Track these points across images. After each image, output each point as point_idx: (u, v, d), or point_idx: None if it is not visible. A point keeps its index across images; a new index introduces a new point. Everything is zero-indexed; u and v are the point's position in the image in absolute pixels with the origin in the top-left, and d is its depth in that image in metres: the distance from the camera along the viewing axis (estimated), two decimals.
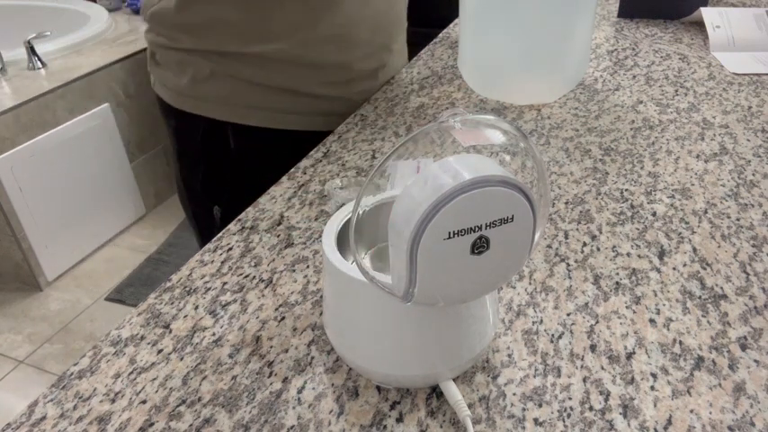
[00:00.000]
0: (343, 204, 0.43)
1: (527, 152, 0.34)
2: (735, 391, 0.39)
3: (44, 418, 0.39)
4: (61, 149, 1.78)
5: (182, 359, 0.42)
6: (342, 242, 0.39)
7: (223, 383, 0.40)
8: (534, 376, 0.40)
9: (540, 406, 0.38)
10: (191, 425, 0.38)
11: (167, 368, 0.42)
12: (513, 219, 0.31)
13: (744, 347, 0.42)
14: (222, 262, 0.52)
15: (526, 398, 0.39)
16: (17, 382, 1.57)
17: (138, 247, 2.02)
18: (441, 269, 0.31)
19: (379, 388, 0.40)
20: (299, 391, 0.40)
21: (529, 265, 0.50)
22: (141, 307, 0.47)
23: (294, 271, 0.50)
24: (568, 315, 0.45)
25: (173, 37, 0.75)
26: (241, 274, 0.50)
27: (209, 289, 0.49)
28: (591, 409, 0.38)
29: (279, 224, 0.56)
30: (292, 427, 0.37)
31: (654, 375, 0.40)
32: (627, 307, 0.46)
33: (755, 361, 0.41)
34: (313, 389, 0.40)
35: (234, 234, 0.55)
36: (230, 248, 0.53)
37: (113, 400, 0.40)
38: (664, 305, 0.46)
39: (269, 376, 0.41)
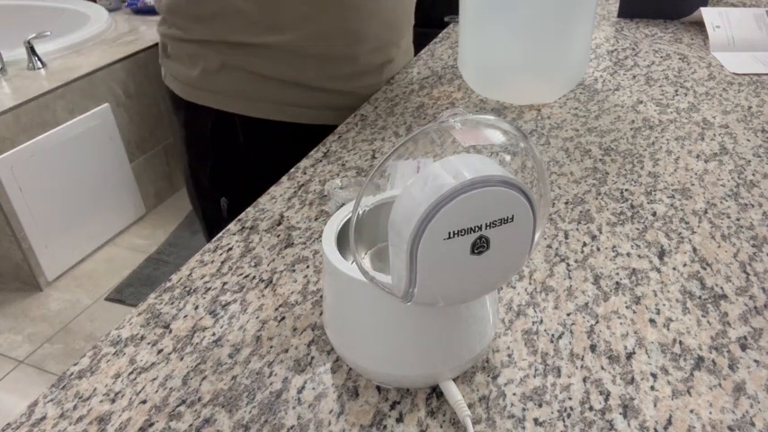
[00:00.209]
0: (343, 204, 0.43)
1: (527, 152, 0.34)
2: (735, 391, 0.39)
3: (44, 418, 0.39)
4: (61, 149, 1.78)
5: (182, 359, 0.42)
6: (342, 242, 0.39)
7: (223, 383, 0.40)
8: (534, 376, 0.40)
9: (540, 406, 0.38)
10: (191, 425, 0.38)
11: (167, 368, 0.42)
12: (513, 219, 0.31)
13: (744, 347, 0.42)
14: (222, 262, 0.52)
15: (526, 398, 0.39)
16: (17, 382, 1.57)
17: (138, 247, 2.02)
18: (441, 269, 0.31)
19: (379, 388, 0.40)
20: (299, 391, 0.40)
21: (529, 265, 0.50)
22: (141, 307, 0.47)
23: (294, 271, 0.50)
24: (568, 315, 0.45)
25: (186, 28, 0.77)
26: (241, 274, 0.50)
27: (209, 289, 0.49)
28: (591, 409, 0.38)
29: (279, 224, 0.56)
30: (292, 427, 0.37)
31: (654, 375, 0.40)
32: (627, 307, 0.46)
33: (755, 361, 0.41)
34: (313, 389, 0.40)
35: (234, 234, 0.55)
36: (230, 248, 0.53)
37: (113, 400, 0.40)
38: (664, 305, 0.46)
39: (269, 376, 0.41)
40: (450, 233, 0.30)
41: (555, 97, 0.80)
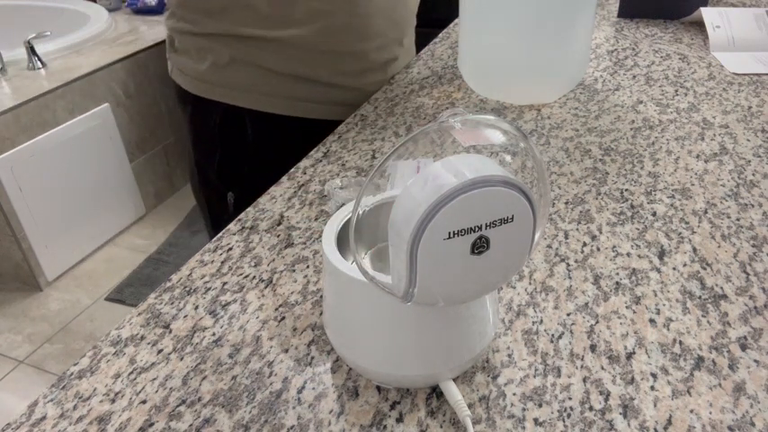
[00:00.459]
0: (343, 204, 0.43)
1: (527, 152, 0.34)
2: (735, 391, 0.39)
3: (44, 418, 0.39)
4: (61, 149, 1.78)
5: (182, 359, 0.42)
6: (342, 242, 0.39)
7: (223, 383, 0.40)
8: (534, 376, 0.40)
9: (540, 406, 0.38)
10: (191, 425, 0.38)
11: (167, 368, 0.42)
12: (513, 219, 0.31)
13: (744, 347, 0.42)
14: (222, 262, 0.52)
15: (526, 398, 0.39)
16: (17, 382, 1.57)
17: (138, 247, 2.03)
18: (441, 269, 0.31)
19: (379, 388, 0.40)
20: (299, 391, 0.40)
21: (529, 265, 0.50)
22: (141, 307, 0.47)
23: (294, 271, 0.50)
24: (568, 315, 0.45)
25: (195, 21, 0.77)
26: (241, 274, 0.50)
27: (209, 289, 0.49)
28: (591, 409, 0.38)
29: (279, 224, 0.56)
30: (292, 427, 0.37)
31: (654, 375, 0.40)
32: (627, 307, 0.46)
33: (755, 361, 0.41)
34: (313, 389, 0.40)
35: (234, 234, 0.55)
36: (230, 248, 0.53)
37: (113, 400, 0.40)
38: (664, 305, 0.46)
39: (269, 376, 0.41)
40: (450, 233, 0.30)
41: (555, 97, 0.80)
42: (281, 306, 0.47)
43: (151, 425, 0.38)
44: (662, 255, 0.51)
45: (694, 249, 0.52)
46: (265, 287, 0.49)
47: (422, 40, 1.02)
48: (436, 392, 0.39)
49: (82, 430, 0.38)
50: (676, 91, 0.81)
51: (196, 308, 0.47)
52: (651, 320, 0.44)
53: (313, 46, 0.76)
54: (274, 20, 0.74)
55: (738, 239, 0.53)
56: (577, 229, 0.54)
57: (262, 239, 0.54)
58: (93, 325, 1.74)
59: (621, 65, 0.90)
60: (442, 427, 0.37)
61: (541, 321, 0.44)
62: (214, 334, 0.44)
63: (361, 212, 0.34)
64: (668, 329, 0.44)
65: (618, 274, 0.49)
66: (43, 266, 1.81)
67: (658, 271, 0.49)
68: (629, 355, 0.41)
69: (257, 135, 0.81)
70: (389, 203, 0.32)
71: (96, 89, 1.87)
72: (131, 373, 0.42)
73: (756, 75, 0.86)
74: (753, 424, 0.37)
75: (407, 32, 0.89)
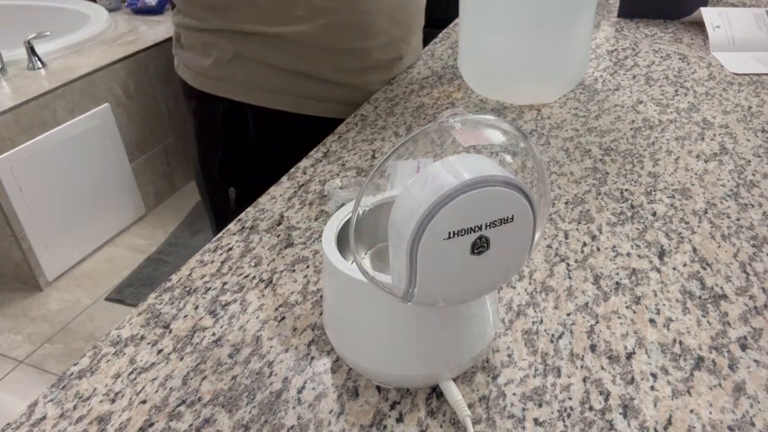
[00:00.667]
0: (343, 204, 0.43)
1: (527, 152, 0.34)
2: (735, 391, 0.39)
3: (44, 418, 0.39)
4: (61, 149, 1.78)
5: (182, 359, 0.42)
6: (342, 242, 0.39)
7: (223, 383, 0.40)
8: (534, 376, 0.40)
9: (540, 406, 0.38)
10: (191, 425, 0.38)
11: (167, 368, 0.42)
12: (513, 219, 0.31)
13: (744, 347, 0.42)
14: (222, 262, 0.52)
15: (526, 398, 0.39)
16: (17, 382, 1.57)
17: (138, 247, 2.02)
18: (441, 269, 0.31)
19: (379, 388, 0.40)
20: (299, 391, 0.40)
21: (529, 265, 0.50)
22: (141, 307, 0.47)
23: (294, 271, 0.50)
24: (568, 315, 0.45)
25: (201, 17, 0.78)
26: (241, 274, 0.50)
27: (209, 289, 0.49)
28: (591, 409, 0.38)
29: (279, 224, 0.56)
30: (292, 427, 0.37)
31: (654, 375, 0.40)
32: (627, 307, 0.46)
33: (755, 361, 0.41)
34: (313, 389, 0.40)
35: (234, 234, 0.55)
36: (230, 248, 0.53)
37: (113, 400, 0.40)
38: (664, 305, 0.46)
39: (269, 376, 0.41)
40: (450, 233, 0.30)
41: (555, 97, 0.80)
42: (281, 306, 0.47)
43: (151, 425, 0.38)
44: (662, 255, 0.51)
45: (694, 249, 0.52)
46: (265, 287, 0.49)
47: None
48: (436, 392, 0.39)
49: (82, 430, 0.38)
50: (676, 91, 0.81)
51: (196, 308, 0.47)
52: (651, 320, 0.44)
53: (315, 43, 0.76)
54: (277, 16, 0.75)
55: (738, 239, 0.53)
56: (577, 229, 0.54)
57: (262, 239, 0.54)
58: (93, 325, 1.74)
59: (621, 65, 0.90)
60: (441, 427, 0.37)
61: (541, 321, 0.44)
62: (214, 334, 0.44)
63: (361, 212, 0.34)
64: (668, 329, 0.44)
65: (618, 274, 0.49)
66: (43, 266, 1.81)
67: (658, 271, 0.49)
68: (629, 355, 0.41)
69: (259, 131, 0.82)
70: (389, 203, 0.32)
71: (96, 89, 1.87)
72: (131, 373, 0.42)
73: (756, 75, 0.86)
74: (753, 424, 0.37)
75: (413, 31, 0.89)
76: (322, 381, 0.40)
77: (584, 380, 0.40)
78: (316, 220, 0.57)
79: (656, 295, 0.47)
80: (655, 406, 0.38)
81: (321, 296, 0.47)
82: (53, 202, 1.79)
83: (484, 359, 0.41)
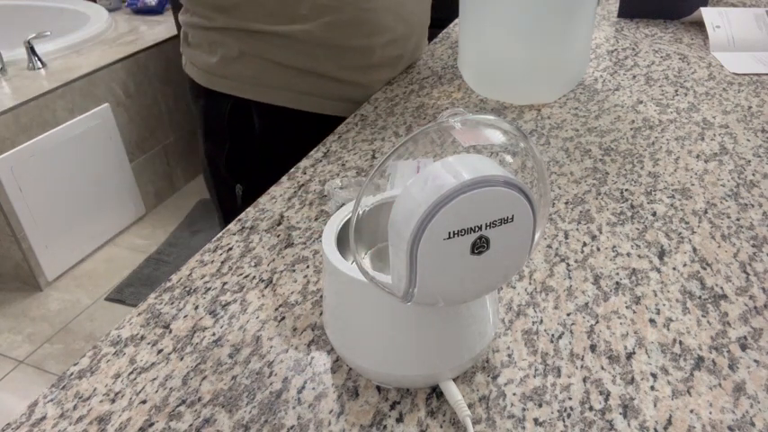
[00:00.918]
0: (343, 204, 0.43)
1: (527, 152, 0.34)
2: (735, 391, 0.39)
3: (44, 418, 0.39)
4: (61, 149, 1.78)
5: (182, 359, 0.42)
6: (342, 242, 0.39)
7: (223, 383, 0.40)
8: (534, 376, 0.40)
9: (540, 406, 0.38)
10: (191, 425, 0.38)
11: (167, 368, 0.42)
12: (513, 219, 0.31)
13: (744, 347, 0.42)
14: (222, 262, 0.52)
15: (526, 398, 0.39)
16: (17, 382, 1.57)
17: (138, 247, 2.02)
18: (441, 269, 0.31)
19: (379, 388, 0.40)
20: (299, 391, 0.40)
21: (529, 265, 0.50)
22: (141, 307, 0.47)
23: (294, 271, 0.50)
24: (568, 315, 0.45)
25: (207, 16, 0.79)
26: (241, 274, 0.50)
27: (209, 289, 0.49)
28: (591, 409, 0.38)
29: (279, 224, 0.56)
30: (292, 427, 0.37)
31: (654, 375, 0.40)
32: (627, 307, 0.46)
33: (755, 361, 0.41)
34: (313, 389, 0.40)
35: (234, 234, 0.55)
36: (230, 248, 0.53)
37: (113, 400, 0.40)
38: (664, 305, 0.46)
39: (269, 376, 0.41)
40: (450, 233, 0.30)
41: (555, 97, 0.80)
42: (281, 306, 0.47)
43: (151, 425, 0.38)
44: (662, 255, 0.51)
45: (694, 249, 0.52)
46: (265, 287, 0.49)
47: None
48: (436, 392, 0.39)
49: (82, 430, 0.38)
50: (676, 91, 0.81)
51: (196, 308, 0.47)
52: (651, 320, 0.44)
53: (320, 41, 0.77)
54: (282, 15, 0.75)
55: (738, 239, 0.53)
56: (577, 229, 0.54)
57: (262, 239, 0.54)
58: (93, 325, 1.74)
59: (621, 65, 0.90)
60: (441, 427, 0.37)
61: (541, 321, 0.44)
62: (214, 334, 0.44)
63: (361, 212, 0.34)
64: (668, 329, 0.44)
65: (618, 274, 0.49)
66: (43, 266, 1.81)
67: (658, 271, 0.49)
68: (629, 355, 0.41)
69: (264, 128, 0.82)
70: (389, 203, 0.32)
71: (96, 89, 1.87)
72: (131, 373, 0.42)
73: (756, 75, 0.86)
74: (753, 424, 0.37)
75: (418, 30, 0.89)
76: (322, 381, 0.40)
77: (584, 380, 0.40)
78: (316, 220, 0.57)
79: (656, 295, 0.47)
80: (655, 406, 0.38)
81: (321, 296, 0.47)
82: (53, 202, 1.79)
83: (484, 359, 0.41)
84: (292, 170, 0.65)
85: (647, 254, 0.51)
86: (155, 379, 0.41)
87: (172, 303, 0.48)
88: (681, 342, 0.42)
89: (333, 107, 0.82)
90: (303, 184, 0.62)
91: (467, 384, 0.40)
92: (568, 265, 0.50)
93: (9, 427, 0.38)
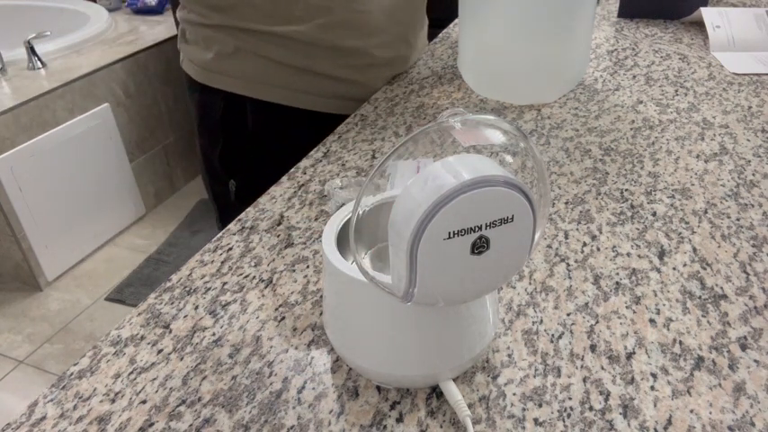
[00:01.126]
0: (343, 204, 0.43)
1: (527, 152, 0.34)
2: (735, 391, 0.39)
3: (44, 418, 0.39)
4: (61, 149, 1.78)
5: (182, 359, 0.42)
6: (342, 242, 0.39)
7: (223, 383, 0.40)
8: (534, 376, 0.40)
9: (540, 406, 0.38)
10: (191, 425, 0.38)
11: (167, 368, 0.42)
12: (513, 219, 0.31)
13: (744, 347, 0.42)
14: (222, 262, 0.52)
15: (526, 398, 0.39)
16: (17, 382, 1.57)
17: (138, 247, 2.02)
18: (441, 269, 0.31)
19: (379, 388, 0.40)
20: (299, 391, 0.40)
21: (529, 265, 0.50)
22: (141, 307, 0.47)
23: (294, 271, 0.50)
24: (568, 315, 0.45)
25: (203, 14, 0.79)
26: (241, 274, 0.50)
27: (209, 289, 0.49)
28: (591, 409, 0.38)
29: (279, 224, 0.56)
30: (292, 427, 0.37)
31: (654, 375, 0.40)
32: (627, 307, 0.46)
33: (755, 361, 0.41)
34: (313, 389, 0.40)
35: (234, 234, 0.55)
36: (230, 248, 0.53)
37: (113, 400, 0.40)
38: (664, 305, 0.46)
39: (269, 376, 0.41)
40: (450, 233, 0.30)
41: (555, 97, 0.80)
42: (281, 306, 0.47)
43: (151, 425, 0.38)
44: (662, 255, 0.51)
45: (694, 249, 0.52)
46: (265, 287, 0.49)
47: None
48: (436, 392, 0.39)
49: (82, 430, 0.38)
50: (676, 91, 0.81)
51: (196, 308, 0.47)
52: (651, 320, 0.44)
53: (314, 41, 0.77)
54: (275, 16, 0.75)
55: (738, 239, 0.53)
56: (577, 229, 0.54)
57: (262, 239, 0.54)
58: (93, 325, 1.74)
59: (621, 65, 0.90)
60: (441, 427, 0.37)
61: (541, 321, 0.44)
62: (214, 334, 0.44)
63: (361, 212, 0.34)
64: (668, 329, 0.44)
65: (618, 274, 0.49)
66: (43, 266, 1.81)
67: (658, 271, 0.49)
68: (629, 355, 0.41)
69: (257, 124, 0.83)
70: (389, 203, 0.32)
71: (96, 89, 1.87)
72: (131, 373, 0.42)
73: (756, 75, 0.86)
74: (753, 424, 0.37)
75: (414, 31, 0.89)
76: (322, 381, 0.40)
77: (585, 380, 0.40)
78: (316, 220, 0.57)
79: (656, 295, 0.47)
80: (655, 406, 0.38)
81: (321, 296, 0.47)
82: (53, 202, 1.79)
83: (484, 359, 0.41)
84: (292, 170, 0.65)
85: (647, 254, 0.51)
86: (155, 379, 0.41)
87: (172, 303, 0.48)
88: (681, 342, 0.42)
89: (329, 104, 0.82)
90: (303, 184, 0.62)
91: (467, 384, 0.40)
92: (568, 265, 0.50)
93: (9, 427, 0.38)
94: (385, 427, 0.37)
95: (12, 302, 1.80)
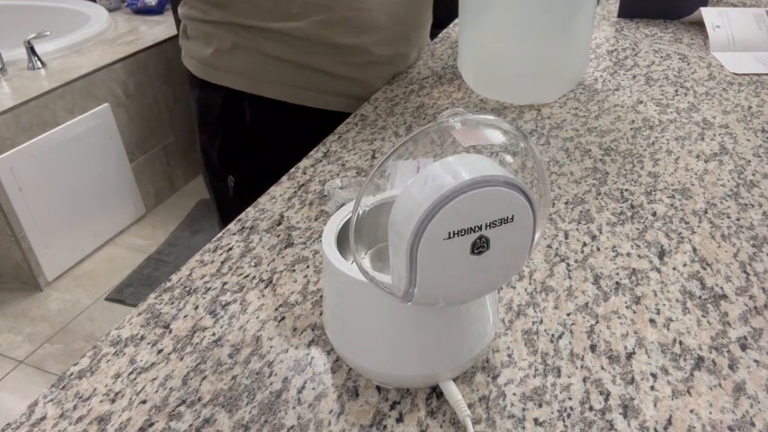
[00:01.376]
0: (343, 204, 0.43)
1: (527, 152, 0.34)
2: (735, 391, 0.39)
3: (44, 418, 0.39)
4: (61, 149, 1.78)
5: (182, 359, 0.42)
6: (342, 242, 0.39)
7: (223, 383, 0.40)
8: (534, 376, 0.40)
9: (540, 406, 0.38)
10: (191, 425, 0.38)
11: (167, 368, 0.42)
12: (513, 219, 0.31)
13: (744, 347, 0.42)
14: (222, 262, 0.52)
15: (526, 398, 0.39)
16: (17, 382, 1.57)
17: (138, 247, 2.02)
18: (441, 269, 0.31)
19: (379, 388, 0.40)
20: (299, 391, 0.40)
21: (529, 265, 0.50)
22: (141, 307, 0.47)
23: (294, 271, 0.50)
24: (568, 315, 0.45)
25: (203, 9, 0.80)
26: (241, 274, 0.50)
27: (209, 289, 0.49)
28: (591, 409, 0.38)
29: (279, 224, 0.56)
30: (292, 427, 0.37)
31: (654, 375, 0.40)
32: (627, 307, 0.46)
33: (755, 361, 0.41)
34: (313, 389, 0.40)
35: (234, 234, 0.55)
36: (230, 248, 0.53)
37: (113, 400, 0.40)
38: (664, 305, 0.46)
39: (269, 376, 0.41)
40: (450, 233, 0.30)
41: (555, 97, 0.80)
42: (281, 306, 0.47)
43: (151, 425, 0.38)
44: (662, 255, 0.51)
45: (694, 249, 0.52)
46: (265, 287, 0.49)
47: None
48: (436, 392, 0.39)
49: (82, 430, 0.38)
50: (676, 91, 0.81)
51: (196, 308, 0.47)
52: (651, 320, 0.44)
53: (312, 37, 0.77)
54: (274, 13, 0.76)
55: (738, 239, 0.53)
56: (577, 229, 0.54)
57: (262, 239, 0.54)
58: (93, 325, 1.74)
59: (621, 65, 0.90)
60: (441, 427, 0.37)
61: (541, 321, 0.44)
62: (214, 334, 0.44)
63: (361, 212, 0.34)
64: (668, 329, 0.44)
65: (618, 274, 0.49)
66: (43, 266, 1.81)
67: (658, 271, 0.49)
68: (629, 355, 0.41)
69: (255, 120, 0.83)
70: (389, 203, 0.32)
71: (96, 89, 1.87)
72: (131, 373, 0.42)
73: (756, 75, 0.86)
74: (753, 424, 0.37)
75: (415, 29, 0.89)
76: (322, 381, 0.40)
77: (584, 380, 0.40)
78: (316, 220, 0.57)
79: (656, 295, 0.47)
80: (655, 406, 0.38)
81: (321, 296, 0.47)
82: (53, 202, 1.79)
83: (484, 359, 0.41)
84: (292, 170, 0.65)
85: (647, 254, 0.51)
86: (155, 379, 0.41)
87: (172, 303, 0.48)
88: (681, 342, 0.42)
89: (327, 101, 0.82)
90: (303, 184, 0.62)
91: (467, 384, 0.40)
92: (568, 265, 0.50)
93: (9, 427, 0.38)
94: (385, 427, 0.37)
95: (12, 302, 1.80)
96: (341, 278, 0.37)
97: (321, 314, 0.46)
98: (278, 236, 0.55)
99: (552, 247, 0.52)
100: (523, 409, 0.38)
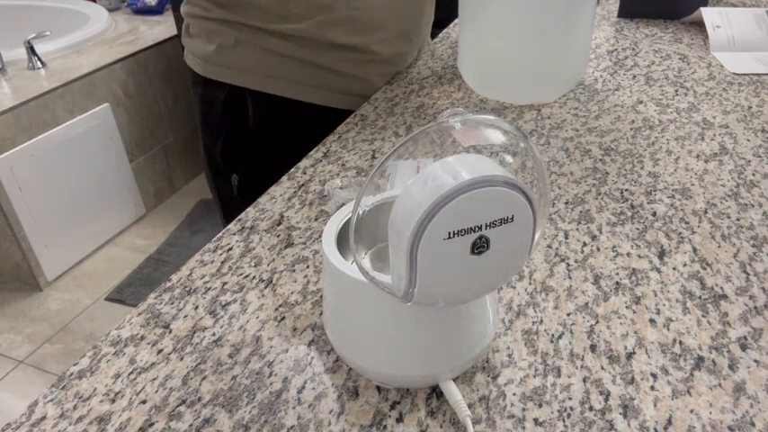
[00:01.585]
0: (343, 204, 0.43)
1: (527, 152, 0.34)
2: (735, 391, 0.39)
3: (44, 418, 0.39)
4: (61, 149, 1.78)
5: (182, 359, 0.42)
6: (342, 242, 0.39)
7: (223, 383, 0.40)
8: (534, 376, 0.40)
9: (540, 406, 0.38)
10: (191, 425, 0.38)
11: (167, 368, 0.42)
12: (513, 219, 0.31)
13: (744, 347, 0.42)
14: (222, 262, 0.52)
15: (526, 398, 0.39)
16: (17, 382, 1.57)
17: (138, 247, 2.02)
18: (441, 269, 0.31)
19: (379, 388, 0.40)
20: (299, 391, 0.40)
21: (529, 265, 0.50)
22: (141, 307, 0.47)
23: (294, 271, 0.50)
24: (568, 315, 0.45)
25: (205, 7, 0.80)
26: (241, 274, 0.50)
27: (209, 289, 0.49)
28: (591, 409, 0.38)
29: (279, 224, 0.56)
30: (292, 427, 0.37)
31: (654, 375, 0.40)
32: (627, 307, 0.46)
33: (755, 361, 0.41)
34: (313, 389, 0.40)
35: (234, 234, 0.55)
36: (230, 248, 0.53)
37: (113, 400, 0.40)
38: (664, 305, 0.46)
39: (269, 376, 0.41)
40: (450, 233, 0.30)
41: (555, 97, 0.80)
42: (281, 306, 0.47)
43: (151, 425, 0.38)
44: (662, 255, 0.51)
45: (694, 249, 0.52)
46: (265, 287, 0.49)
47: None
48: (436, 392, 0.39)
49: (82, 430, 0.38)
50: (676, 91, 0.81)
51: (196, 308, 0.47)
52: (651, 320, 0.44)
53: (313, 37, 0.77)
54: (275, 14, 0.76)
55: (738, 239, 0.53)
56: (577, 229, 0.54)
57: (262, 239, 0.54)
58: (93, 325, 1.74)
59: (621, 65, 0.90)
60: (441, 427, 0.37)
61: (541, 321, 0.44)
62: (214, 334, 0.44)
63: (361, 212, 0.34)
64: (668, 329, 0.44)
65: (618, 274, 0.49)
66: (43, 266, 1.81)
67: (658, 271, 0.49)
68: (629, 355, 0.41)
69: (258, 117, 0.83)
70: (389, 203, 0.32)
71: (96, 89, 1.87)
72: (131, 373, 0.42)
73: (756, 75, 0.86)
74: (753, 424, 0.37)
75: (416, 28, 0.89)
76: (322, 381, 0.40)
77: (584, 380, 0.40)
78: (316, 220, 0.57)
79: (656, 295, 0.47)
80: (655, 406, 0.38)
81: (321, 296, 0.47)
82: (53, 202, 1.79)
83: (484, 359, 0.41)
84: (292, 170, 0.65)
85: (647, 254, 0.51)
86: (155, 379, 0.41)
87: (172, 303, 0.48)
88: (681, 342, 0.42)
89: (328, 98, 0.82)
90: (303, 184, 0.62)
91: (467, 384, 0.40)
92: (568, 265, 0.50)
93: (9, 427, 0.38)
94: (385, 427, 0.37)
95: (12, 302, 1.80)
96: (341, 278, 0.37)
97: (321, 314, 0.46)
98: (278, 236, 0.55)
99: (552, 247, 0.52)
100: (523, 409, 0.38)
